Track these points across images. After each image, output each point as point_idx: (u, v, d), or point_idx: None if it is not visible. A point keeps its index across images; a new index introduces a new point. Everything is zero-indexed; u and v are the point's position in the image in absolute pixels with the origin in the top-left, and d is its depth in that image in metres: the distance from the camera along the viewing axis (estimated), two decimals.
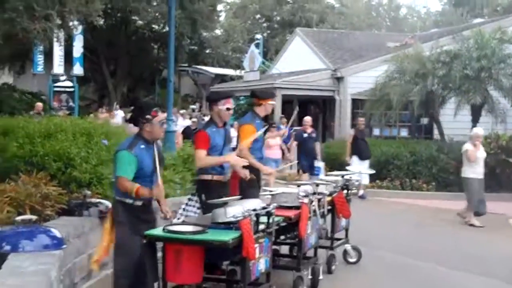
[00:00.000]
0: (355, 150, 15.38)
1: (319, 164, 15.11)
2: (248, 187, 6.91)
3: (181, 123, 20.77)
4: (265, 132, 7.53)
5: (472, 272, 8.21)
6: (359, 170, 9.25)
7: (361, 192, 14.53)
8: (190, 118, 22.16)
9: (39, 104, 18.57)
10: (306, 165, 14.97)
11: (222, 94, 7.09)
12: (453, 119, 17.59)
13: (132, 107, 6.04)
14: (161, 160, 5.65)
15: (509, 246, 10.14)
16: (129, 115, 5.87)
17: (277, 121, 20.61)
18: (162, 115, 5.54)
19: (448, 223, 12.26)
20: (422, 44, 19.72)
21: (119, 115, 24.72)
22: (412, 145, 17.69)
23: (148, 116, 5.43)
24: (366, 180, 14.99)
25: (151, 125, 5.43)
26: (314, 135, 15.40)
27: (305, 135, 15.27)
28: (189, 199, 6.64)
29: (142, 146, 5.42)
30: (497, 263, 8.83)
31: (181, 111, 25.24)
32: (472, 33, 17.89)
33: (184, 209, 6.61)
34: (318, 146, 15.22)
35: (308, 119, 15.68)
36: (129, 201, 5.43)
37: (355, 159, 15.20)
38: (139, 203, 5.45)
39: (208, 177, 6.50)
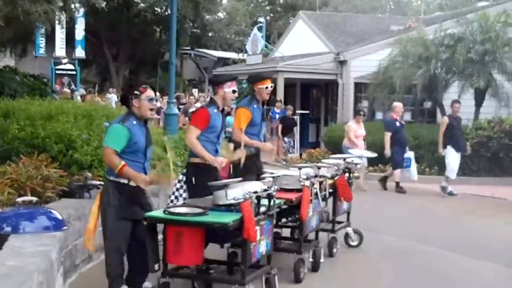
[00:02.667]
0: (451, 140, 13.40)
1: (410, 154, 13.88)
2: (244, 171, 6.84)
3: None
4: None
5: (473, 256, 8.20)
6: (361, 153, 9.19)
7: (449, 188, 13.46)
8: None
9: (67, 91, 17.75)
10: (401, 159, 13.67)
11: (227, 76, 7.00)
12: None
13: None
14: (150, 140, 5.67)
15: (510, 230, 10.11)
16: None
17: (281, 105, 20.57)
18: (150, 92, 5.53)
19: (450, 207, 12.26)
20: (426, 27, 19.62)
21: (112, 99, 24.54)
22: (415, 129, 17.62)
23: (136, 92, 5.46)
24: (453, 174, 13.51)
25: (139, 100, 5.45)
26: (403, 122, 14.15)
27: (398, 124, 13.84)
28: (179, 181, 6.62)
29: (134, 122, 5.43)
30: (499, 247, 8.81)
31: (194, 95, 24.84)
32: (476, 16, 17.79)
33: (174, 192, 6.61)
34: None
35: (400, 105, 14.28)
36: (124, 181, 5.38)
37: (451, 150, 13.40)
38: (133, 183, 5.40)
39: (198, 160, 6.38)
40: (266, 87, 7.33)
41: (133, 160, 5.39)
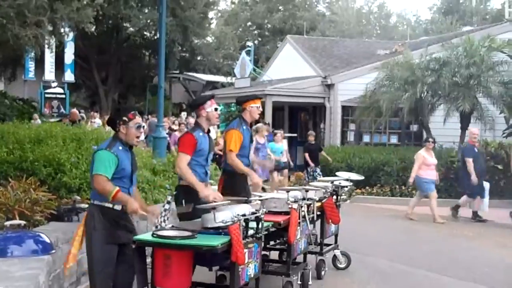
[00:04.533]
0: None
1: (486, 185, 13.36)
2: (233, 193, 6.88)
3: None
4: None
5: (460, 278, 8.26)
6: (348, 175, 9.23)
7: None
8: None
9: (75, 112, 15.71)
10: (479, 188, 13.03)
11: (205, 96, 6.96)
12: (443, 126, 17.69)
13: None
14: (135, 166, 5.66)
15: (497, 252, 10.20)
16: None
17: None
18: (139, 119, 5.53)
19: (437, 229, 12.32)
20: (412, 51, 19.84)
21: (96, 124, 24.40)
22: (401, 152, 17.76)
23: (124, 118, 5.44)
24: None
25: (127, 127, 5.43)
26: (479, 149, 13.40)
27: (476, 150, 13.24)
28: (168, 202, 6.64)
29: (120, 148, 5.40)
30: (485, 269, 8.88)
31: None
32: (461, 40, 18.03)
33: (164, 214, 6.63)
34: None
35: (475, 130, 13.77)
36: (108, 205, 5.32)
37: None
38: (118, 207, 5.34)
39: (187, 182, 6.34)
40: (258, 107, 7.42)
41: (119, 186, 5.31)
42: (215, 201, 5.96)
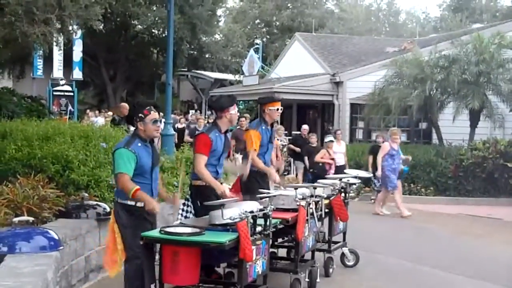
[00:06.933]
0: None
1: None
2: (250, 191, 6.93)
3: None
4: None
5: (469, 276, 8.22)
6: (356, 173, 9.20)
7: None
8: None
9: (125, 105, 13.95)
10: None
11: (229, 100, 6.90)
12: (452, 124, 17.61)
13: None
14: (157, 160, 5.73)
15: (506, 250, 10.14)
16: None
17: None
18: (154, 114, 5.60)
19: (446, 227, 12.28)
20: (421, 49, 19.76)
21: (99, 122, 24.44)
22: (410, 150, 17.65)
23: (140, 115, 5.53)
24: None
25: (144, 123, 5.53)
26: None
27: None
28: (184, 204, 6.64)
29: (139, 144, 5.49)
30: (495, 267, 8.83)
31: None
32: (471, 38, 17.92)
33: (181, 212, 6.64)
34: None
35: None
36: (131, 203, 5.46)
37: None
38: (140, 204, 5.46)
39: (202, 182, 6.44)
40: (277, 109, 7.60)
41: (141, 182, 5.44)
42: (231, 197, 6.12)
